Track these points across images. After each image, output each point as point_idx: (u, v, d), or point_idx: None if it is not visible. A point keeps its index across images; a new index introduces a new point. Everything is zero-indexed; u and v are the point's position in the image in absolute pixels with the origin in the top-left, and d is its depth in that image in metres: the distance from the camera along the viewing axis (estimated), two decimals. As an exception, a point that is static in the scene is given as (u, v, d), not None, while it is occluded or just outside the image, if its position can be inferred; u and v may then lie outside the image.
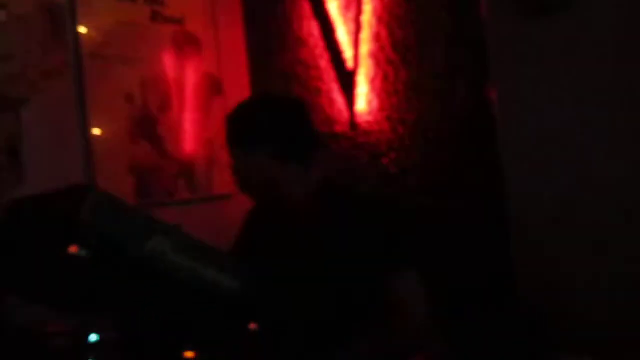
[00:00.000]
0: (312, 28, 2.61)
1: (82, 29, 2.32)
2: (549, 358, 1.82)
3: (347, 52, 2.50)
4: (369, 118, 2.46)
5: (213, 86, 2.71)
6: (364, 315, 1.43)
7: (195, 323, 1.15)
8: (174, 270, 1.03)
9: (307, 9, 2.62)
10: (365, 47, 2.46)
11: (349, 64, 2.50)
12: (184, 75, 2.62)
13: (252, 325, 1.15)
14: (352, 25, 2.49)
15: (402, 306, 1.40)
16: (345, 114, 2.53)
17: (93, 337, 1.24)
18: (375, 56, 2.44)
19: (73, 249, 0.95)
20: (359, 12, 2.46)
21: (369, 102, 2.46)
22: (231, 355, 1.19)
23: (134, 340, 1.19)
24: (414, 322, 1.41)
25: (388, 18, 2.40)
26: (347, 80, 2.50)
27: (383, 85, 2.42)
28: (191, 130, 2.62)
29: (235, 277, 1.07)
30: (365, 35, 2.46)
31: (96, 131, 2.34)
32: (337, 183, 1.55)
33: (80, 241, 0.95)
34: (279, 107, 1.51)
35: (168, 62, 2.57)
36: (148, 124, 2.51)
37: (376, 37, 2.43)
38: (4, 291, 1.51)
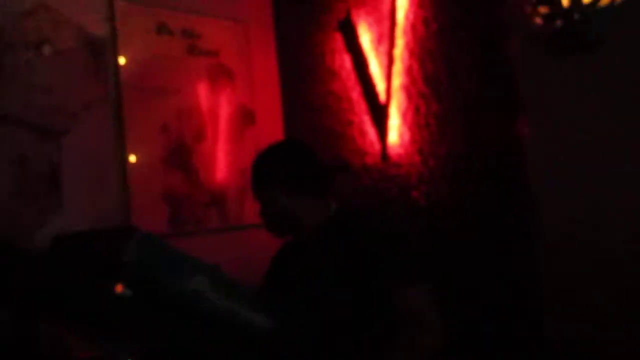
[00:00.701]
0: (345, 61, 2.65)
1: (121, 61, 2.39)
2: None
3: (380, 85, 2.53)
4: (400, 151, 2.48)
5: (246, 117, 2.76)
6: (381, 330, 1.50)
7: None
8: (212, 309, 1.05)
9: (339, 42, 2.66)
10: (397, 80, 2.49)
11: (382, 97, 2.52)
12: (218, 106, 2.68)
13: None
14: (384, 59, 2.52)
15: (416, 317, 1.49)
16: (376, 146, 2.55)
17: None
18: (407, 89, 2.46)
19: (118, 288, 0.97)
20: (392, 45, 2.49)
21: (401, 135, 2.48)
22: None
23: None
24: (430, 332, 1.49)
25: (420, 52, 2.43)
26: (379, 113, 2.53)
27: (415, 119, 2.44)
28: (224, 160, 2.67)
29: (270, 317, 1.08)
30: (398, 68, 2.49)
31: (132, 159, 2.40)
32: (350, 206, 1.72)
33: (124, 280, 0.98)
34: (282, 150, 1.76)
35: (203, 93, 2.63)
36: (183, 153, 2.56)
37: (408, 71, 2.46)
38: (38, 318, 1.55)
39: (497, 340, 2.14)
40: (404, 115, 2.47)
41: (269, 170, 1.69)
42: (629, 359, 1.90)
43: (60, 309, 1.20)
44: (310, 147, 1.74)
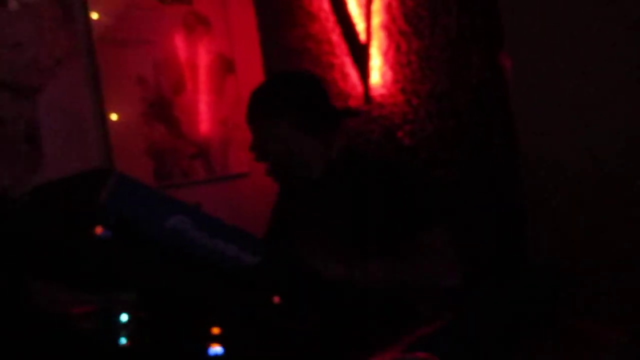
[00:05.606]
0: (323, 2, 2.58)
1: (93, 15, 2.32)
2: (570, 325, 1.83)
3: (359, 25, 2.48)
4: (383, 91, 2.44)
5: (225, 66, 2.70)
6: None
7: (218, 299, 1.16)
8: (195, 248, 1.04)
9: (316, -18, 2.59)
10: (377, 19, 2.44)
11: (362, 37, 2.47)
12: (196, 56, 2.62)
13: (276, 299, 1.17)
14: (363, -2, 2.46)
15: (432, 250, 1.46)
16: (359, 88, 2.51)
17: (124, 317, 1.26)
18: (387, 28, 2.41)
19: (97, 230, 0.96)
20: (369, -17, 2.43)
21: (383, 75, 2.44)
22: (256, 329, 1.21)
23: (162, 318, 1.21)
24: (443, 259, 1.46)
25: (399, -12, 2.37)
26: (360, 54, 2.48)
27: (396, 57, 2.40)
28: (206, 111, 2.62)
29: (255, 253, 1.08)
30: (377, 7, 2.43)
31: (112, 115, 2.36)
32: (357, 151, 1.64)
33: (102, 223, 0.97)
34: (298, 81, 1.63)
35: (179, 43, 2.57)
36: (163, 106, 2.52)
37: (387, 9, 2.40)
38: (28, 275, 1.54)
39: (483, 273, 2.16)
40: (385, 55, 2.43)
41: (282, 98, 1.54)
42: (611, 281, 1.93)
43: (43, 258, 1.19)
44: (324, 83, 1.64)
